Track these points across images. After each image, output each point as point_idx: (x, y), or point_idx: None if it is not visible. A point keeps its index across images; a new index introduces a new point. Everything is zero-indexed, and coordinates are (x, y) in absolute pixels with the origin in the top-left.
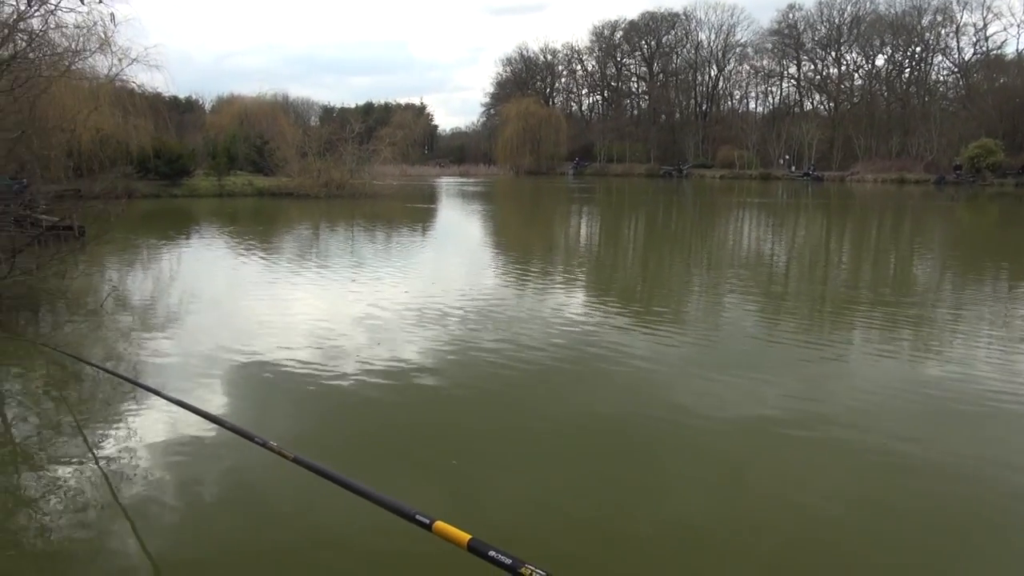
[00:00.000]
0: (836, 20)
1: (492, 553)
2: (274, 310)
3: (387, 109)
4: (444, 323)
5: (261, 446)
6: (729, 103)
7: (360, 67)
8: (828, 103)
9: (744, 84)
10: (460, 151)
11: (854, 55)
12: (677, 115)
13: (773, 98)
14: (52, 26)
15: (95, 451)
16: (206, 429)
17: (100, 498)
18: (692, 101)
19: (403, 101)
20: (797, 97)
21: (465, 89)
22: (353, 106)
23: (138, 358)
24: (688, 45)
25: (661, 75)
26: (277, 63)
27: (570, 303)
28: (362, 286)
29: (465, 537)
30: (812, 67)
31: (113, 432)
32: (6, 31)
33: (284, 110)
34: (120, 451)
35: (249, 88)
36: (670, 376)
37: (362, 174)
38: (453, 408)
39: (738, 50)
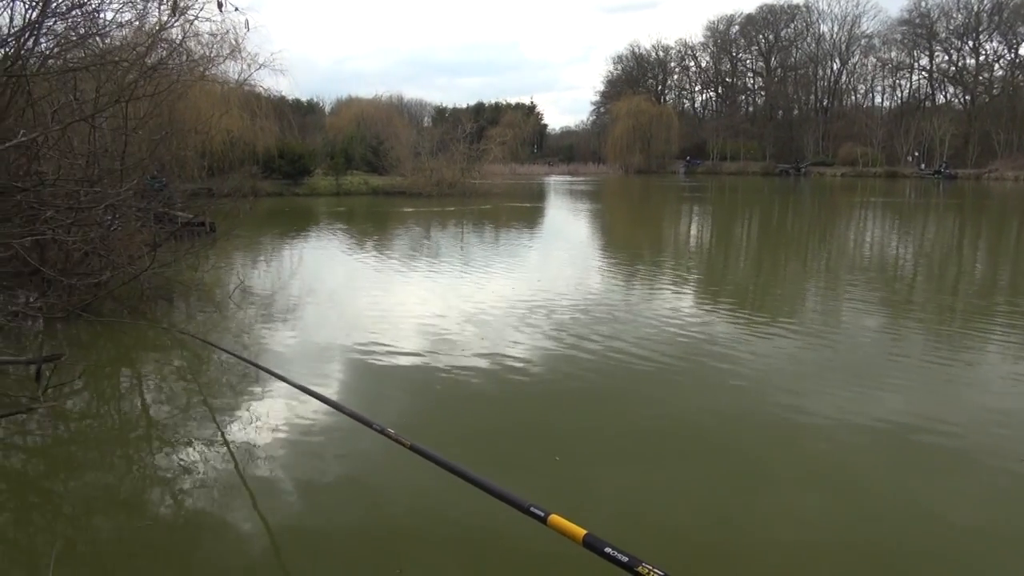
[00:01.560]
0: (974, 7)
1: (608, 550)
2: (386, 304)
3: (497, 109)
4: (549, 320)
5: (379, 432)
6: (852, 98)
7: (472, 68)
8: (963, 96)
9: (869, 77)
10: (569, 150)
11: (994, 44)
12: (795, 111)
13: (901, 92)
14: (190, 35)
15: (223, 432)
16: (326, 414)
17: (226, 476)
18: (812, 96)
19: (513, 101)
20: (928, 90)
21: (575, 88)
22: (464, 106)
23: (262, 346)
24: (809, 38)
25: (779, 70)
26: (393, 65)
27: (678, 304)
28: (470, 283)
29: (580, 532)
30: (946, 58)
31: (239, 415)
32: (150, 41)
33: (399, 111)
34: (245, 433)
35: (366, 90)
36: (783, 381)
37: (472, 173)
38: (556, 404)
39: (864, 42)
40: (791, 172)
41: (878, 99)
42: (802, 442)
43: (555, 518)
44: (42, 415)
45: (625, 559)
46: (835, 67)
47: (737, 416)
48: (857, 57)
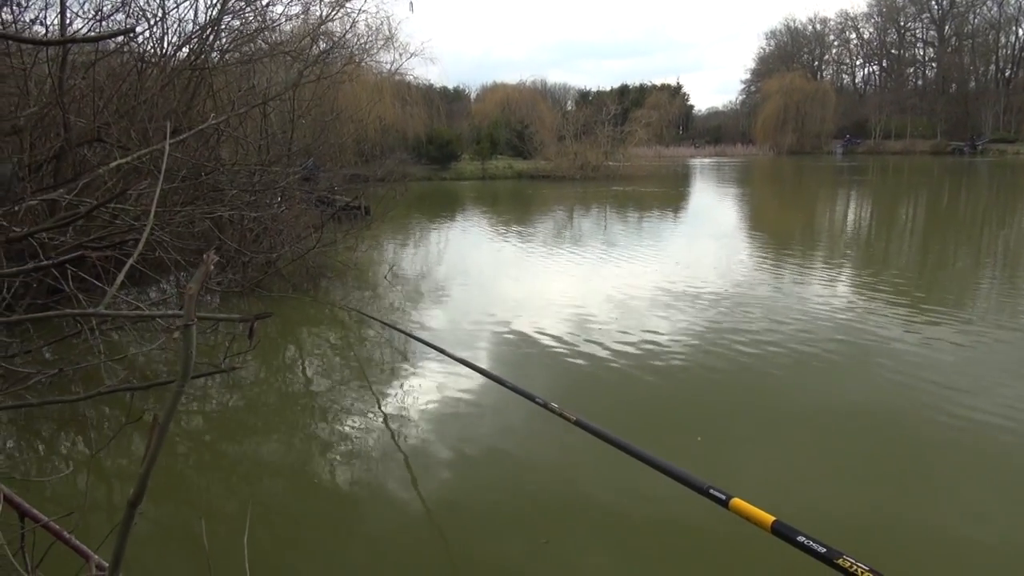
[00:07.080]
0: None
1: (801, 539)
2: (529, 287)
3: (642, 91)
4: (694, 306)
5: (543, 407)
6: None
7: (618, 51)
8: None
9: None
10: (716, 131)
11: None
12: (972, 83)
13: None
14: (348, 27)
15: (380, 403)
16: (474, 389)
17: (383, 445)
18: (992, 67)
19: (659, 82)
20: None
21: (724, 67)
22: (608, 89)
23: (412, 325)
24: (990, 2)
25: (954, 38)
26: (539, 51)
27: (831, 292)
28: (612, 267)
29: (768, 519)
30: None
31: (395, 387)
32: (313, 34)
33: (543, 96)
34: (400, 404)
35: (512, 76)
36: (949, 374)
37: (616, 156)
38: (700, 390)
39: None
40: (966, 150)
41: None
42: (971, 441)
43: (738, 502)
44: (218, 382)
45: (822, 550)
46: (1020, 33)
47: (895, 410)
48: None
